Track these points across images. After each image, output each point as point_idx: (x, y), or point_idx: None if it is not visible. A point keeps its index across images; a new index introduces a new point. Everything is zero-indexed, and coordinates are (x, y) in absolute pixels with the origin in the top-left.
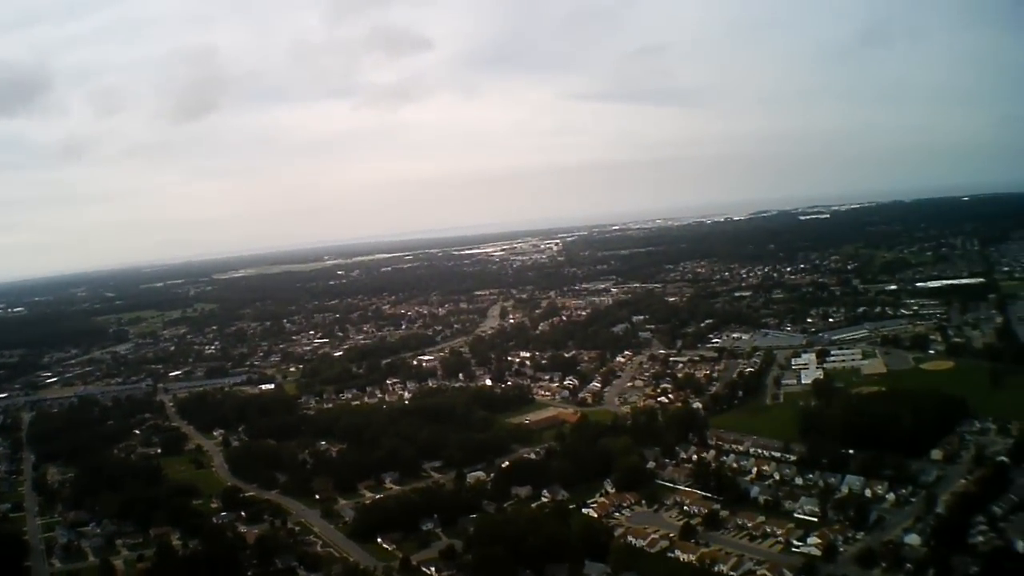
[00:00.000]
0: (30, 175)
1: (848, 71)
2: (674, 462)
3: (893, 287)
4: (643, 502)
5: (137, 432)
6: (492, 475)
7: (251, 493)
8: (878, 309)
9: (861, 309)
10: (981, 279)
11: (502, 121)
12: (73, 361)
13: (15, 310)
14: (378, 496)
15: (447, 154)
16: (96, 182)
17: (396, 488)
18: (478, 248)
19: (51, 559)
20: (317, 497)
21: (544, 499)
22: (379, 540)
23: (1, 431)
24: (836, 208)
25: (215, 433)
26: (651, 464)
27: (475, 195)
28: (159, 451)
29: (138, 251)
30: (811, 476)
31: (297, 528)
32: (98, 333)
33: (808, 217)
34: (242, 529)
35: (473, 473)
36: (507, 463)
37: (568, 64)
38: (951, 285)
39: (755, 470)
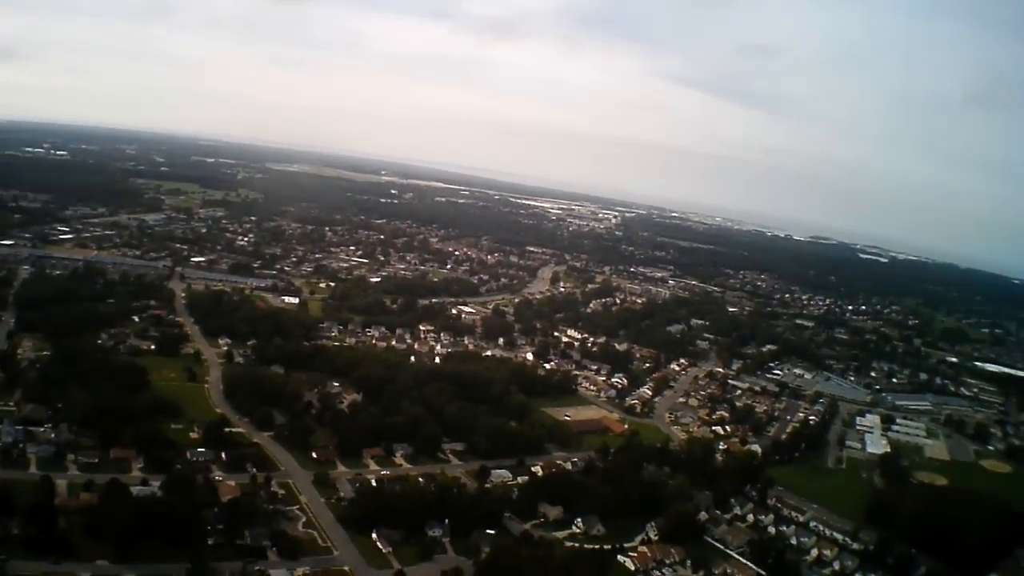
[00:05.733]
0: (110, 24)
1: (939, 125)
2: (728, 516)
3: (953, 359)
4: (688, 562)
5: (136, 319)
6: (520, 480)
7: (240, 429)
8: (939, 380)
9: (923, 376)
10: None
11: (588, 82)
12: (96, 221)
13: (58, 152)
14: (385, 472)
15: (525, 100)
16: (175, 45)
17: (407, 467)
18: (536, 200)
19: None
20: (314, 455)
21: (576, 529)
22: (375, 536)
23: None
24: (894, 255)
25: (221, 341)
26: (702, 515)
27: (542, 147)
28: (152, 347)
29: (199, 121)
30: (872, 575)
31: (282, 492)
32: (132, 195)
33: (867, 256)
34: (217, 476)
35: (499, 471)
36: (540, 467)
37: (670, 44)
38: (1009, 375)
39: (815, 551)
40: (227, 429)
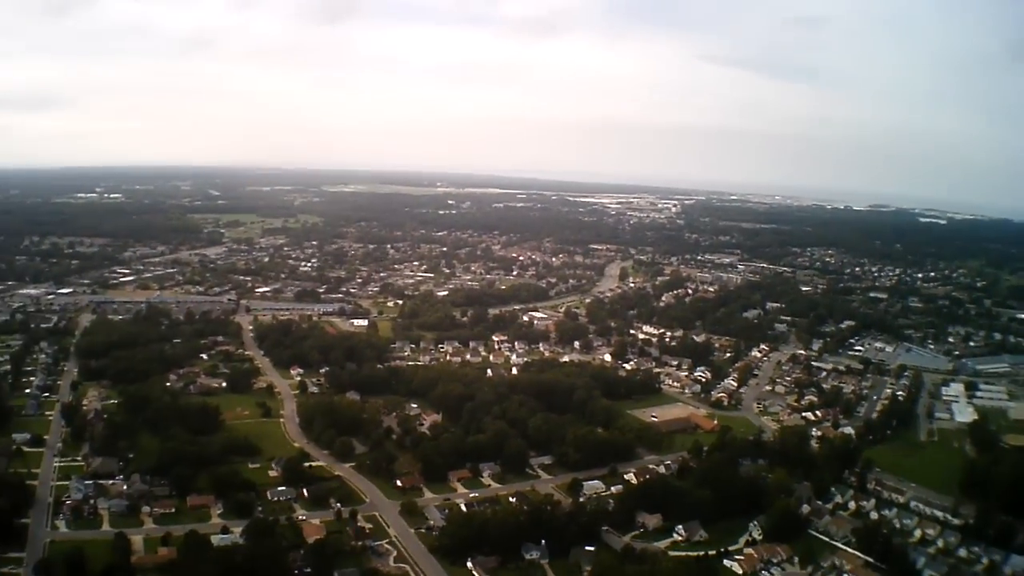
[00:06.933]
0: (153, 62)
1: (986, 81)
2: (830, 506)
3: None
4: (795, 559)
5: (204, 357)
6: (614, 490)
7: (320, 463)
8: (1012, 339)
9: (998, 336)
10: None
11: (635, 73)
12: (156, 260)
13: (112, 196)
14: (473, 495)
15: (572, 97)
16: (219, 77)
17: (496, 487)
18: (593, 197)
19: (56, 519)
20: (399, 483)
21: (678, 536)
22: (469, 565)
23: (51, 334)
24: (951, 215)
25: (293, 372)
26: (804, 507)
27: (594, 142)
28: (224, 384)
29: (252, 152)
30: (976, 548)
31: (369, 527)
32: (191, 232)
33: (927, 220)
34: (301, 515)
35: (591, 483)
36: (632, 474)
37: (714, 25)
38: None
39: (919, 532)
40: (307, 464)
